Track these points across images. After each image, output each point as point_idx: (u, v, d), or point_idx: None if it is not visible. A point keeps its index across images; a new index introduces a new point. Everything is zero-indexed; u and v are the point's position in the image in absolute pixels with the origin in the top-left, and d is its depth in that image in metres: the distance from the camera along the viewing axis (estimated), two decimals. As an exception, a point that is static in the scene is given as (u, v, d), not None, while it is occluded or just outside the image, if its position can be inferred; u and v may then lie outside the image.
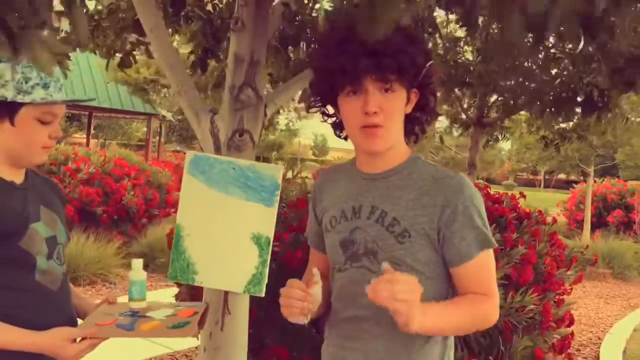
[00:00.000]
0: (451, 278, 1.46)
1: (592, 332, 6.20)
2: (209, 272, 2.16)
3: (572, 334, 3.41)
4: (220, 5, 2.70)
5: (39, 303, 1.56)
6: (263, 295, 2.18)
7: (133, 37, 2.86)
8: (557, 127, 5.84)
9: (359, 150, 1.53)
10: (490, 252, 1.45)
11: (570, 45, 3.02)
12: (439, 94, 1.52)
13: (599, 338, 5.97)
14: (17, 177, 1.60)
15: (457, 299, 1.46)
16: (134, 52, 2.93)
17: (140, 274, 1.79)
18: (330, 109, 1.55)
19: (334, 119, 1.57)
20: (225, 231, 2.15)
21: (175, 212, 7.73)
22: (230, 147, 2.18)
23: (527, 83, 4.70)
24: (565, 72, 3.05)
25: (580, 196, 13.52)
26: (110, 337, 1.54)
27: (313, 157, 42.15)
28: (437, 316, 1.35)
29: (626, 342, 5.90)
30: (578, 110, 2.72)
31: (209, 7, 2.65)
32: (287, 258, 2.88)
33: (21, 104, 1.50)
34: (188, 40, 2.78)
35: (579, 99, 2.61)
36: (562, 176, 36.28)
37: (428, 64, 1.42)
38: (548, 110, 2.86)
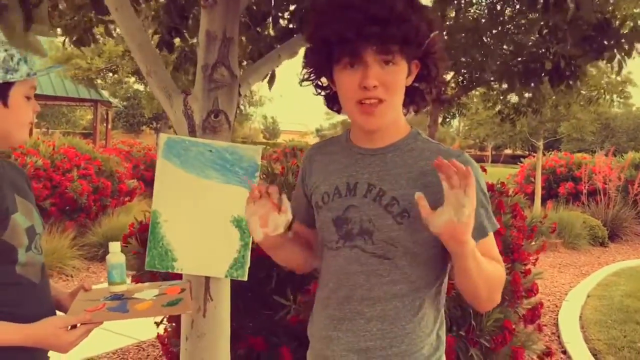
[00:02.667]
0: (447, 259, 1.41)
1: (549, 300, 6.40)
2: (189, 258, 2.10)
3: (541, 303, 3.49)
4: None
5: (22, 296, 1.49)
6: (246, 279, 2.14)
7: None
8: (513, 101, 5.95)
9: (354, 125, 1.46)
10: (490, 236, 1.39)
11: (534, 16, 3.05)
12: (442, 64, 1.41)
13: (556, 306, 6.18)
14: None
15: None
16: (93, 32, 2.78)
17: (119, 257, 1.72)
18: (324, 81, 1.46)
19: (327, 91, 1.47)
20: (204, 215, 2.09)
21: (130, 200, 7.62)
22: (206, 128, 2.11)
23: (486, 59, 4.76)
24: (530, 43, 3.08)
25: (529, 170, 13.92)
26: (105, 320, 1.50)
27: (264, 141, 41.86)
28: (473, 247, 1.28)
29: (581, 308, 6.12)
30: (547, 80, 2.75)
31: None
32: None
33: (12, 83, 1.44)
34: (151, 19, 2.66)
35: (547, 69, 2.64)
36: (508, 151, 37.26)
37: (432, 34, 1.34)
38: (518, 81, 2.88)
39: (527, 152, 18.46)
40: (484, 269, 1.31)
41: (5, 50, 1.43)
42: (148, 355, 4.42)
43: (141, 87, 19.88)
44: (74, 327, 1.46)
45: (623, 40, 2.44)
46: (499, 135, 14.27)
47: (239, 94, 2.18)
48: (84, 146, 8.49)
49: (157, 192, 2.09)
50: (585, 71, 2.63)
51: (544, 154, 13.49)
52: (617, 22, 2.51)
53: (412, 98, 1.43)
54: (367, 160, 1.42)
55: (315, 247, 1.59)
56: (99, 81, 14.65)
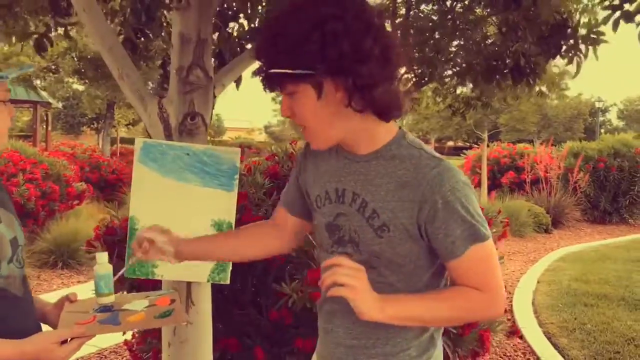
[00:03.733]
0: (439, 267, 1.42)
1: (502, 287, 6.62)
2: (170, 264, 2.06)
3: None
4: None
5: (6, 310, 1.43)
6: (228, 282, 2.13)
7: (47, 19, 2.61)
8: (463, 95, 6.08)
9: None
10: (484, 245, 1.33)
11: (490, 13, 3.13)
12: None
13: (510, 293, 6.39)
14: None
15: (440, 290, 1.43)
16: (50, 35, 2.68)
17: (106, 267, 1.66)
18: None
19: None
20: (183, 220, 2.06)
21: (79, 204, 7.40)
22: (182, 132, 2.08)
23: (438, 55, 4.86)
24: (489, 42, 3.18)
25: (474, 161, 14.32)
26: (97, 334, 1.45)
27: (209, 138, 41.32)
28: (402, 305, 1.31)
29: (533, 293, 6.36)
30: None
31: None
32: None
33: None
34: (112, 19, 2.58)
35: (508, 66, 2.73)
36: (450, 143, 38.14)
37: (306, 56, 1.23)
38: (480, 79, 2.97)
39: (468, 144, 18.95)
40: (430, 312, 1.35)
41: None
42: (111, 363, 4.33)
43: (81, 87, 19.29)
44: (64, 341, 1.42)
45: (580, 42, 2.56)
46: (445, 128, 14.60)
47: (214, 96, 2.16)
48: (28, 149, 8.17)
49: (134, 198, 2.05)
50: (544, 68, 2.74)
51: (488, 145, 13.91)
52: (574, 24, 2.63)
53: (373, 107, 1.31)
54: (352, 167, 1.42)
55: (289, 231, 1.67)
56: (37, 82, 14.10)
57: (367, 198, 1.37)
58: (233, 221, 2.09)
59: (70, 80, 15.93)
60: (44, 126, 16.29)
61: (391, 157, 1.37)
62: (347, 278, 1.24)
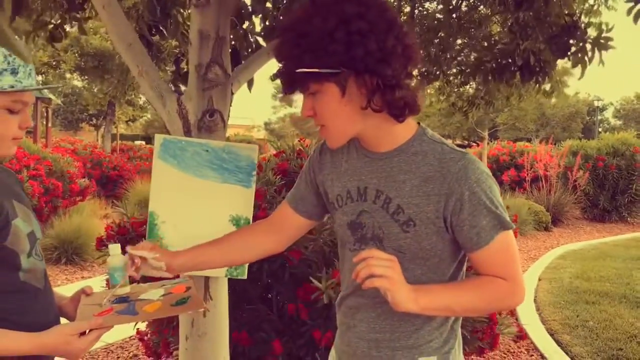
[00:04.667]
0: (462, 258, 1.46)
1: (504, 284, 6.66)
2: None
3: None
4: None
5: (26, 303, 1.45)
6: (245, 277, 2.16)
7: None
8: (467, 94, 6.12)
9: None
10: (508, 233, 1.36)
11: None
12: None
13: (512, 289, 6.43)
14: None
15: (466, 280, 1.48)
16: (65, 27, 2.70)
17: (120, 259, 1.66)
18: None
19: None
20: (202, 215, 2.09)
21: (82, 200, 7.42)
22: (201, 128, 2.10)
23: (443, 53, 4.89)
24: (501, 40, 3.20)
25: (474, 159, 14.33)
26: (115, 324, 1.47)
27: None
28: (433, 295, 1.34)
29: (534, 291, 6.40)
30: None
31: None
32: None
33: None
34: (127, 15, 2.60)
35: (518, 65, 2.76)
36: (449, 141, 38.08)
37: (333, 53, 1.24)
38: (491, 77, 2.99)
39: (466, 142, 18.98)
40: (459, 302, 1.37)
41: None
42: (118, 357, 4.35)
43: (79, 83, 19.27)
44: (83, 333, 1.44)
45: (588, 45, 2.58)
46: (445, 126, 14.64)
47: (232, 92, 2.19)
48: (32, 146, 8.18)
49: (153, 193, 2.07)
50: (554, 67, 2.77)
51: (489, 143, 13.95)
52: (583, 26, 2.65)
53: (389, 108, 1.33)
54: (375, 164, 1.44)
55: (286, 231, 1.68)
56: (38, 77, 14.10)
57: (390, 194, 1.39)
58: (250, 217, 2.11)
59: (70, 76, 15.89)
60: (44, 122, 16.28)
61: (414, 153, 1.39)
62: (383, 269, 1.25)
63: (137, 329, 3.24)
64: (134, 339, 4.33)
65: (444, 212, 1.35)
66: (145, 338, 3.22)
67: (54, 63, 12.95)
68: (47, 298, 1.55)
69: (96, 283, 5.34)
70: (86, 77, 13.99)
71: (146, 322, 3.19)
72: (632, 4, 2.17)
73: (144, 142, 29.71)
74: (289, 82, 1.32)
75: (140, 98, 19.64)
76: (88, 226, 7.30)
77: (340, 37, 1.22)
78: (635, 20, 2.13)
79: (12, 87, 1.37)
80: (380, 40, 1.24)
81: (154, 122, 34.47)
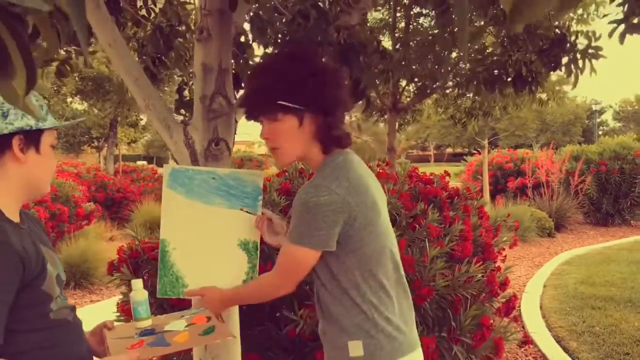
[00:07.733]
0: (340, 256, 1.67)
1: (509, 293, 6.70)
2: (200, 283, 2.16)
3: (514, 296, 3.70)
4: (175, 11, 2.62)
5: (58, 337, 1.51)
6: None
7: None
8: (464, 106, 6.23)
9: None
10: (297, 247, 1.65)
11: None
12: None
13: (517, 297, 6.46)
14: (16, 217, 1.51)
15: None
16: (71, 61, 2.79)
17: (143, 293, 1.78)
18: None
19: None
20: (211, 241, 2.16)
21: (88, 224, 7.47)
22: (208, 157, 2.18)
23: (437, 67, 4.98)
24: (494, 51, 3.28)
25: (476, 167, 14.42)
26: (149, 356, 1.53)
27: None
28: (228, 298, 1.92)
29: (540, 298, 6.44)
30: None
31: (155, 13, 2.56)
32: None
33: (42, 131, 1.47)
34: (134, 49, 2.69)
35: (509, 77, 2.84)
36: (449, 150, 38.25)
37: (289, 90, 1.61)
38: (484, 88, 3.08)
39: (467, 150, 19.06)
40: (247, 296, 1.95)
41: (37, 100, 1.47)
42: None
43: (81, 106, 19.40)
44: None
45: (578, 56, 2.67)
46: (445, 136, 14.73)
47: (235, 121, 2.27)
48: (36, 172, 8.25)
49: (164, 222, 2.14)
50: (546, 77, 2.86)
51: (489, 151, 14.02)
52: (572, 38, 2.75)
53: (325, 139, 1.69)
54: None
55: None
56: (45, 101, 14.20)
57: None
58: (259, 241, 2.18)
59: (71, 100, 16.04)
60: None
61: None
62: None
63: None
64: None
65: None
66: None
67: (55, 88, 13.10)
68: (77, 330, 1.60)
69: (105, 307, 5.39)
70: (86, 101, 14.13)
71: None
72: (615, 25, 2.25)
73: (145, 162, 29.86)
74: (260, 109, 1.67)
75: (141, 119, 19.81)
76: (95, 249, 7.37)
77: (310, 84, 1.60)
78: (621, 40, 2.21)
79: (54, 124, 1.51)
80: (335, 91, 1.65)
81: (155, 141, 34.61)
